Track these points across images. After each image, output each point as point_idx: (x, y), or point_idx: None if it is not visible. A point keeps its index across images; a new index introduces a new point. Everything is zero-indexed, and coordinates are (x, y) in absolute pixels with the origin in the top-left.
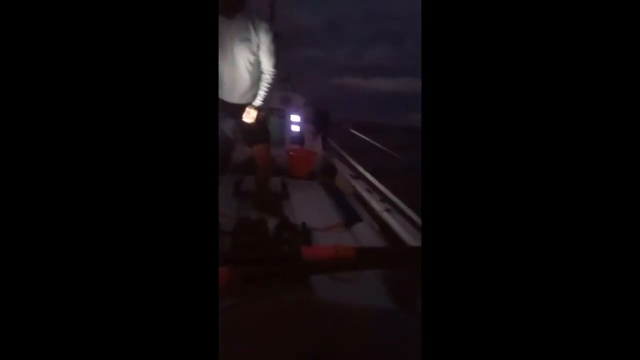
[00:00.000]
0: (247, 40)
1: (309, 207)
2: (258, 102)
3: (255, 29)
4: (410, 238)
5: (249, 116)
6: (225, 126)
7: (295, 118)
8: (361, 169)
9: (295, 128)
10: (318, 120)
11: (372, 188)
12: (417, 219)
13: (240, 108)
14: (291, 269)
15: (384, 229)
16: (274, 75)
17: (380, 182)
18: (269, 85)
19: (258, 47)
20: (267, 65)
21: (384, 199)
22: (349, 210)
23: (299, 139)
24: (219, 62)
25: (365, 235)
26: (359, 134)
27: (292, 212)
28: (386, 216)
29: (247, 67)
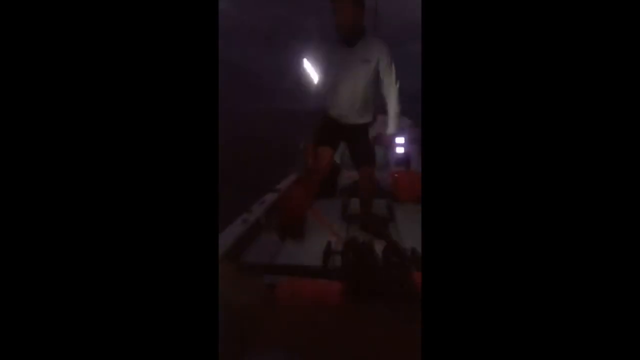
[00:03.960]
0: (367, 61)
1: (418, 232)
2: (393, 129)
3: (375, 50)
4: None
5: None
6: (336, 154)
7: (399, 140)
8: None
9: (400, 150)
10: None
11: None
12: None
13: (355, 128)
14: (400, 292)
15: None
16: (398, 91)
17: None
18: (397, 104)
19: (377, 65)
20: (389, 82)
21: None
22: None
23: (404, 160)
24: (338, 86)
25: None
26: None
27: (399, 236)
28: None
29: (366, 87)
